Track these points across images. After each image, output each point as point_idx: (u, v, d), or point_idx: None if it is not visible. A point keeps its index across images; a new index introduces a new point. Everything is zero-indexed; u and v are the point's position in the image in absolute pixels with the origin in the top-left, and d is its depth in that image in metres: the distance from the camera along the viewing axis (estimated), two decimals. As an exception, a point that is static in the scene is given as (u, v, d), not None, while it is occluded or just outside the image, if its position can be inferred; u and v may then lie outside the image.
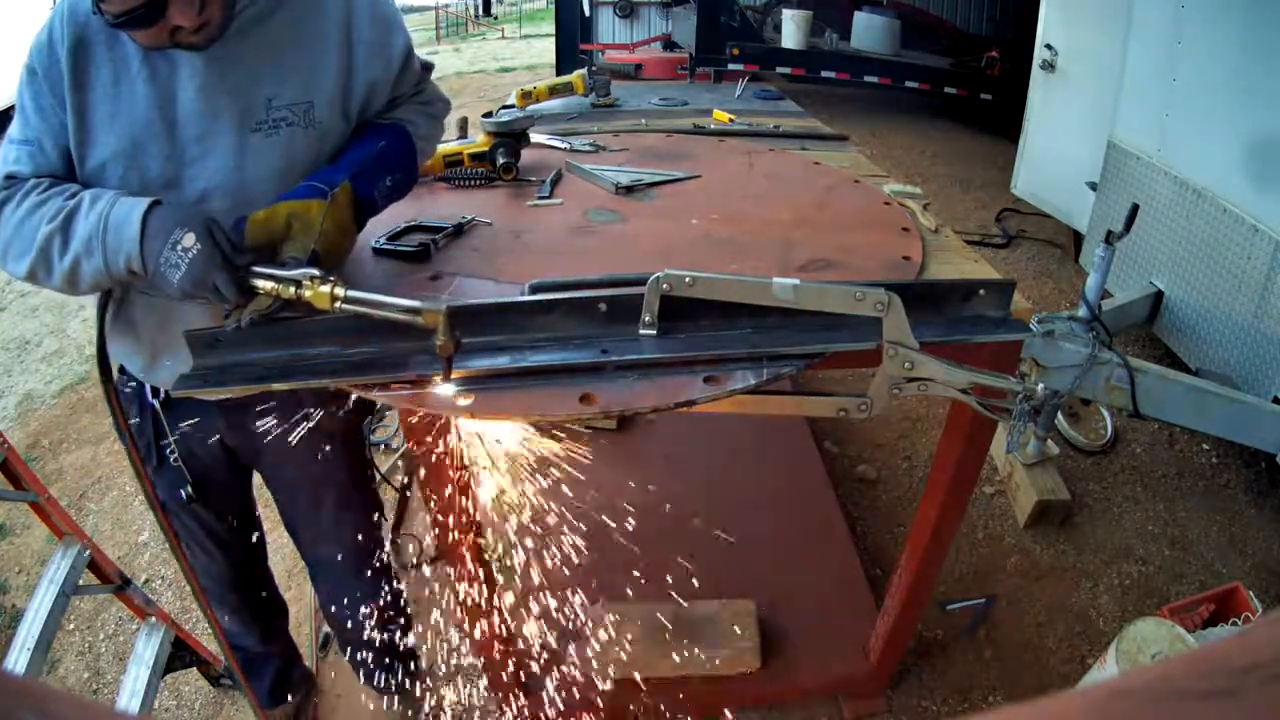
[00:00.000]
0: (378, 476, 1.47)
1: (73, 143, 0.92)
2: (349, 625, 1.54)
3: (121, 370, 1.17)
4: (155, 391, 1.15)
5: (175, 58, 0.91)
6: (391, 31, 1.05)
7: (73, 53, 0.89)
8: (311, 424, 1.23)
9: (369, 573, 1.45)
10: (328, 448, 1.26)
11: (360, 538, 1.40)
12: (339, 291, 0.85)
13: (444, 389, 0.84)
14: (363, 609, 1.51)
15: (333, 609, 1.53)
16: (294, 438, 1.23)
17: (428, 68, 1.16)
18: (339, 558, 1.40)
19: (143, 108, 0.92)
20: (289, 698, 1.70)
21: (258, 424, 1.20)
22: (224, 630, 1.57)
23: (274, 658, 1.65)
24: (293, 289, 0.86)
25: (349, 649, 1.62)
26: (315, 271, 0.86)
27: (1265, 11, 2.16)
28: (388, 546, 2.14)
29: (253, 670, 1.63)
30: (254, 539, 1.46)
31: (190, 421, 1.19)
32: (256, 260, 0.89)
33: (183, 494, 1.24)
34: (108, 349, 1.05)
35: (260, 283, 0.87)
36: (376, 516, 1.44)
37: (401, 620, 1.61)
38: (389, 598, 1.55)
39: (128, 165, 0.93)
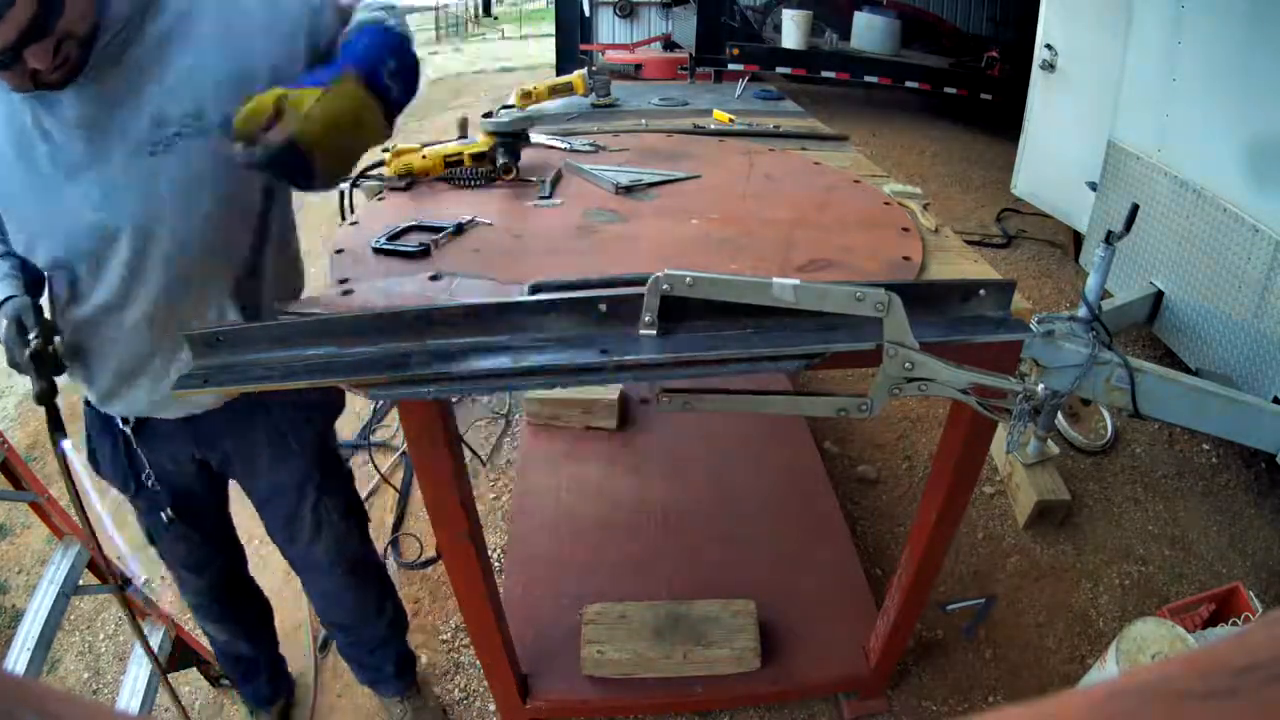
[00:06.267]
0: (356, 476, 1.44)
1: None
2: (344, 629, 1.54)
3: (86, 403, 1.16)
4: (126, 419, 1.13)
5: (51, 95, 0.87)
6: (278, 3, 0.96)
7: None
8: (277, 429, 1.21)
9: (358, 576, 1.44)
10: (296, 452, 1.24)
11: (344, 541, 1.38)
12: None
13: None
14: (356, 612, 1.50)
15: (326, 615, 1.53)
16: (261, 444, 1.21)
17: None
18: (324, 563, 1.38)
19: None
20: (277, 700, 1.70)
21: (225, 433, 1.18)
22: (213, 640, 1.57)
23: (265, 660, 1.64)
24: None
25: (346, 652, 1.63)
26: None
27: (1265, 11, 2.16)
28: (382, 547, 2.14)
29: (248, 675, 1.63)
30: (234, 550, 1.45)
31: (161, 440, 1.16)
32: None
33: (164, 516, 1.22)
34: (71, 376, 1.06)
35: None
36: (359, 519, 1.42)
37: (397, 621, 1.61)
38: (383, 599, 1.54)
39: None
